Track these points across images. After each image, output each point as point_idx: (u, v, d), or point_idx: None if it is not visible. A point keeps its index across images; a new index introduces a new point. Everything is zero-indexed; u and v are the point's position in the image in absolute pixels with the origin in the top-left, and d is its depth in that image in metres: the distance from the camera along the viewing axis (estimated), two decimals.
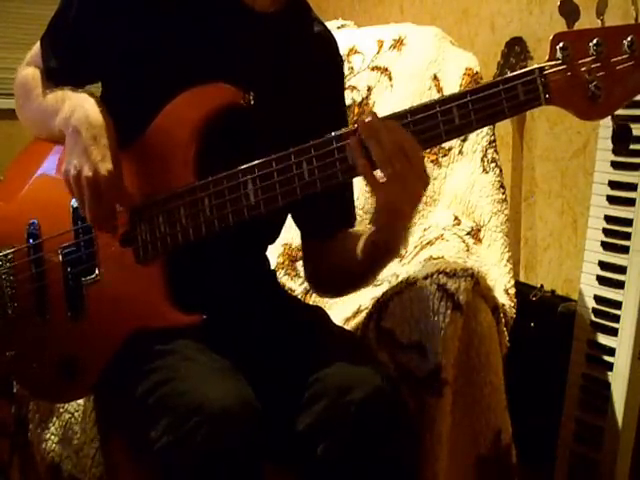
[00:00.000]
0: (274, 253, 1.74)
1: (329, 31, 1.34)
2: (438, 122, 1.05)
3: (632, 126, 1.56)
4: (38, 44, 1.26)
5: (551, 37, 1.05)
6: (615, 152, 1.62)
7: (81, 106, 1.12)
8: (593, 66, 1.03)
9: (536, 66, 1.05)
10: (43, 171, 1.24)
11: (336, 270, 1.28)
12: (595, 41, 1.03)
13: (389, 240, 1.15)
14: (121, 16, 1.17)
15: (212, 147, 1.14)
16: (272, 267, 1.48)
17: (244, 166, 1.09)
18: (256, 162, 1.09)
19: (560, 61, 1.04)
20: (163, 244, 1.12)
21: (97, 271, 1.16)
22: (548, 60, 1.05)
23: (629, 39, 1.03)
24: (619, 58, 1.03)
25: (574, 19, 1.04)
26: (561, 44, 1.04)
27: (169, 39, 1.17)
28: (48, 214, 1.20)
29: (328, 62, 1.33)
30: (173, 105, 1.14)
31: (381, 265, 1.21)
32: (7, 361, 1.20)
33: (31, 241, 1.20)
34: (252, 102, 1.16)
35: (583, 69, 1.04)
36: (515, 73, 1.05)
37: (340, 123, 1.26)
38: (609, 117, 1.06)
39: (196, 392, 0.99)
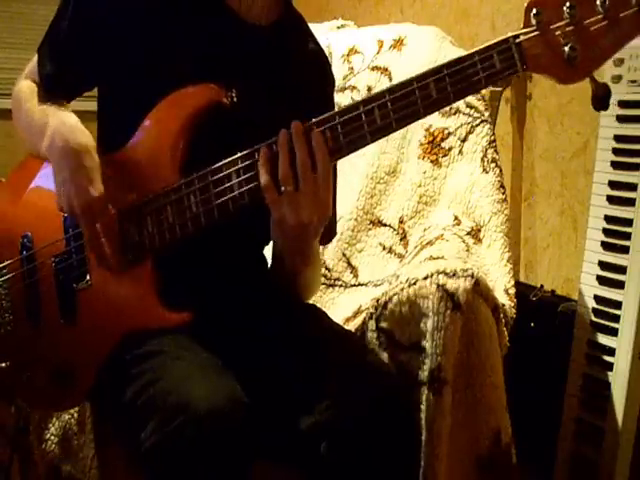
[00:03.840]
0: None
1: (322, 50, 1.36)
2: (416, 98, 1.06)
3: (632, 126, 1.58)
4: (35, 57, 1.27)
5: (525, 4, 1.05)
6: (615, 143, 1.62)
7: (59, 132, 1.13)
8: (567, 29, 1.04)
9: (510, 34, 1.05)
10: (35, 185, 1.26)
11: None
12: (568, 4, 1.03)
13: (285, 254, 1.19)
14: (114, 23, 1.17)
15: (199, 146, 1.14)
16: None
17: (227, 159, 1.10)
18: (239, 154, 1.10)
19: (534, 27, 1.04)
20: (151, 243, 1.13)
21: (88, 276, 1.17)
22: (523, 28, 1.05)
23: None
24: (593, 19, 1.03)
25: None
26: (534, 10, 1.04)
27: (161, 46, 1.17)
28: (41, 226, 1.22)
29: (318, 77, 1.34)
30: (158, 109, 1.15)
31: (297, 276, 1.26)
32: (2, 372, 1.21)
33: (25, 253, 1.22)
34: (235, 99, 1.16)
35: (557, 33, 1.04)
36: (489, 43, 1.05)
37: None
38: (588, 80, 1.07)
39: (183, 390, 0.98)
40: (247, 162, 1.09)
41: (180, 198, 1.11)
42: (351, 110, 1.07)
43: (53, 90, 1.23)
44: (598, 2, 1.03)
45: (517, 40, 1.04)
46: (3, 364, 1.20)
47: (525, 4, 1.05)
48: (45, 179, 1.23)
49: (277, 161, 1.06)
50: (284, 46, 1.26)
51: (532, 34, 1.04)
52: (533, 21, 1.04)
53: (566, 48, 1.03)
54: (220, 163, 1.10)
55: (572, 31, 1.04)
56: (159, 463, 0.98)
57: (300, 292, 1.32)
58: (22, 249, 1.22)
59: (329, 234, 1.34)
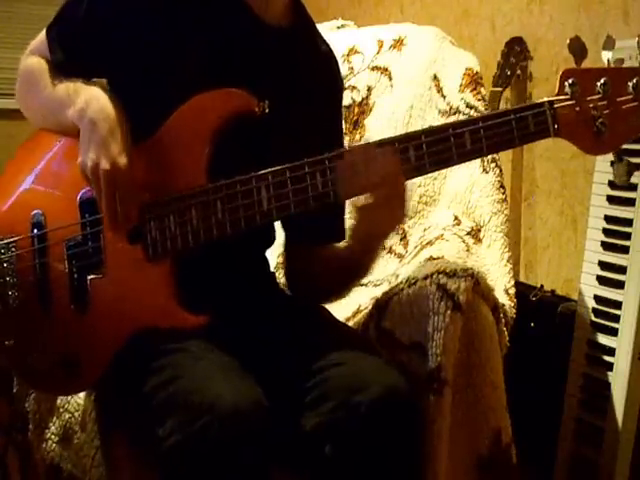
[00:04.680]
0: (274, 253, 1.73)
1: (332, 51, 1.37)
2: (451, 145, 1.10)
3: None
4: (43, 34, 1.25)
5: (560, 73, 1.10)
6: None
7: (96, 99, 1.11)
8: (600, 103, 1.09)
9: (546, 99, 1.10)
10: (49, 162, 1.23)
11: (315, 278, 1.31)
12: (602, 80, 1.09)
13: (364, 257, 1.23)
14: (132, 18, 1.17)
15: (224, 151, 1.14)
16: (272, 268, 1.48)
17: (258, 172, 1.10)
18: (270, 170, 1.10)
19: (569, 96, 1.09)
20: (173, 244, 1.12)
21: (103, 266, 1.15)
22: (557, 94, 1.10)
23: (634, 81, 1.09)
24: (624, 98, 1.09)
25: (582, 57, 1.09)
26: (570, 80, 1.09)
27: (182, 42, 1.17)
28: (54, 205, 1.19)
29: (330, 81, 1.35)
30: (188, 106, 1.14)
31: (352, 280, 1.31)
32: (6, 350, 1.20)
33: (35, 231, 1.19)
34: (266, 110, 1.16)
35: (590, 105, 1.09)
36: (526, 105, 1.11)
37: (335, 141, 1.31)
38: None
39: (206, 391, 0.98)
40: (278, 179, 1.10)
41: (206, 202, 1.11)
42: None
43: (65, 76, 1.21)
44: (630, 83, 1.09)
45: (553, 105, 1.09)
46: (7, 342, 1.19)
47: (560, 71, 1.10)
48: (61, 157, 1.21)
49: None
50: (300, 48, 1.27)
51: (567, 102, 1.09)
52: (568, 90, 1.09)
53: (597, 122, 1.09)
54: (250, 175, 1.10)
55: (604, 106, 1.09)
56: (180, 462, 0.98)
57: (343, 290, 1.34)
58: (32, 227, 1.19)
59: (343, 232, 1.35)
